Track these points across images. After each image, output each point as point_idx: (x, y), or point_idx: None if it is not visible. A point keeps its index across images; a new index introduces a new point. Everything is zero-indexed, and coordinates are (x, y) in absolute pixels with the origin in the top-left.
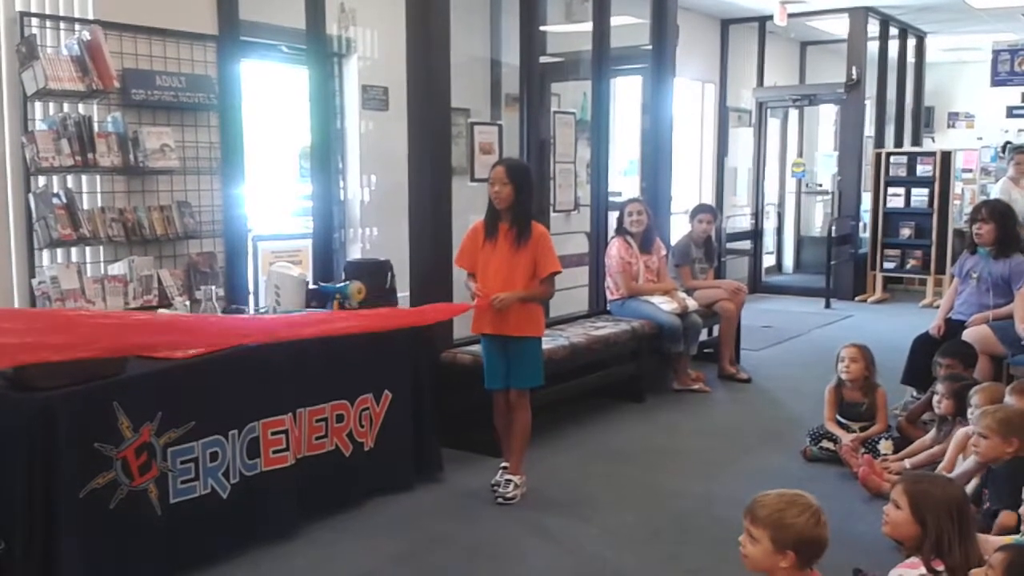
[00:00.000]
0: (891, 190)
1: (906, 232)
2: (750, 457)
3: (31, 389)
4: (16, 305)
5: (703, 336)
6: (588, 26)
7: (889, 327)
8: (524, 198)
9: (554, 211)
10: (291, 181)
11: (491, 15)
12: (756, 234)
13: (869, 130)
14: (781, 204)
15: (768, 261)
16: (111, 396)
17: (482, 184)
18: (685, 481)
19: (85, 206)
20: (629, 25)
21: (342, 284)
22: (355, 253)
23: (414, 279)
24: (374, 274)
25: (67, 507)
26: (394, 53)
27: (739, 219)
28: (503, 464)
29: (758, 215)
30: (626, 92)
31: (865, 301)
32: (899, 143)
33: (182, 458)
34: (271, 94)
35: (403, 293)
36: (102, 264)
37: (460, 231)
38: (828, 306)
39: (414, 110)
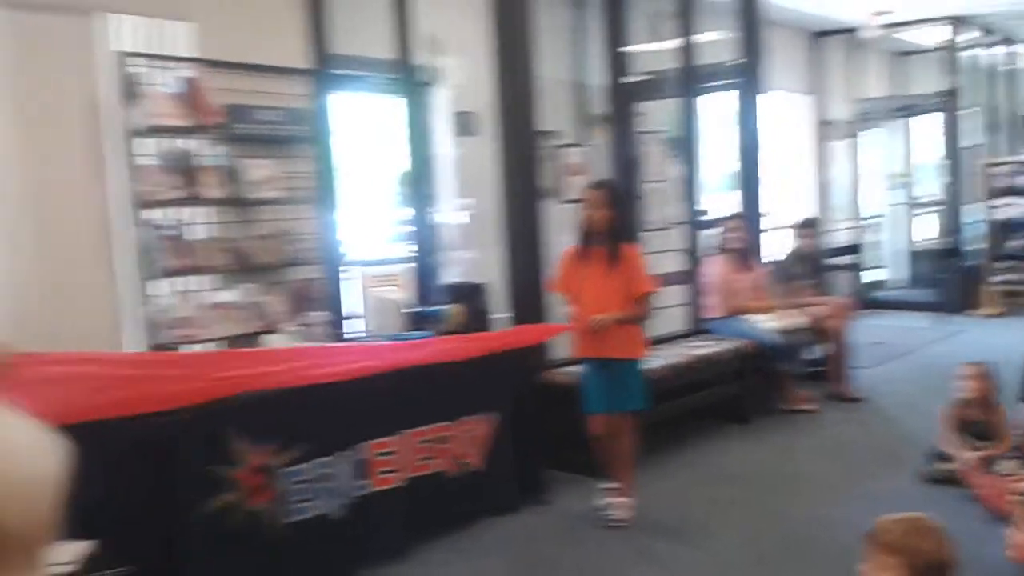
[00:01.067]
0: (1002, 200)
1: (1019, 243)
2: (864, 479)
3: (153, 414)
4: (127, 335)
5: (810, 354)
6: (674, 44)
7: (1004, 342)
8: (619, 220)
9: (645, 231)
10: (390, 207)
11: (575, 37)
12: (860, 248)
13: (977, 139)
14: (885, 217)
15: (875, 276)
16: (229, 420)
17: (571, 206)
18: (796, 504)
19: (193, 237)
20: (717, 41)
21: (440, 307)
22: (451, 277)
23: (509, 301)
24: (470, 297)
25: (189, 528)
26: (483, 79)
27: (842, 233)
28: (607, 487)
29: (862, 229)
30: (716, 108)
31: (978, 315)
32: (1011, 152)
33: (295, 479)
34: (368, 123)
35: (499, 315)
36: (212, 292)
37: (551, 252)
38: (939, 321)
39: (503, 135)
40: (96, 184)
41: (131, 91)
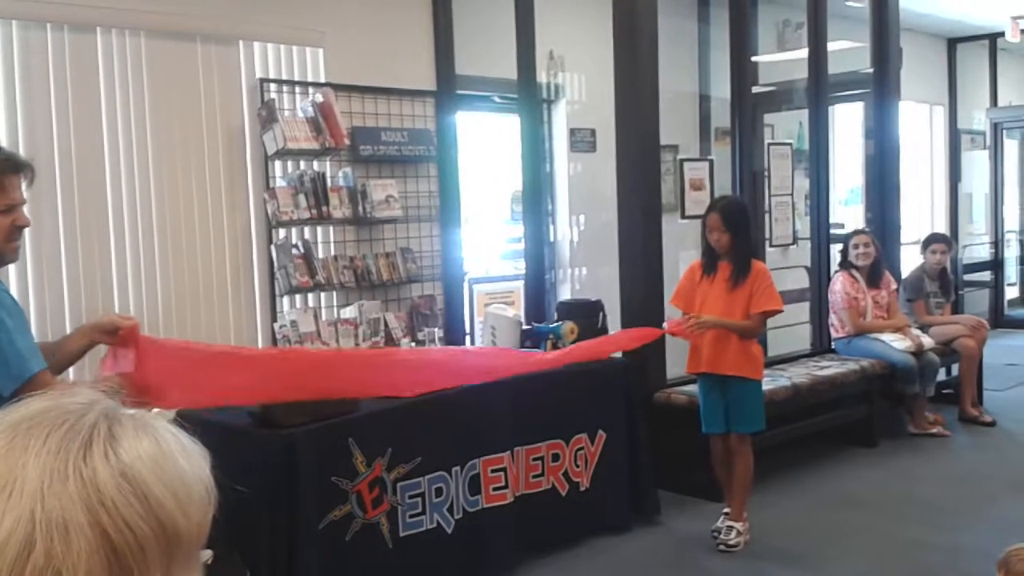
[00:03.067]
0: None
1: None
2: (997, 506)
3: (275, 426)
4: (260, 347)
5: (941, 376)
6: (803, 53)
7: None
8: (743, 239)
9: (770, 246)
10: (502, 225)
11: (699, 49)
12: (997, 264)
13: None
14: None
15: (1011, 293)
16: (347, 433)
17: (693, 221)
18: (925, 531)
19: (320, 255)
20: (847, 50)
21: (555, 324)
22: (565, 293)
23: (625, 318)
24: (586, 314)
25: (308, 538)
26: (602, 95)
27: (977, 248)
28: (725, 510)
29: (998, 244)
30: (844, 118)
31: None
32: None
33: (410, 493)
34: (484, 142)
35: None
36: (335, 308)
37: (670, 268)
38: None
39: (623, 150)
40: (235, 204)
41: (269, 115)
